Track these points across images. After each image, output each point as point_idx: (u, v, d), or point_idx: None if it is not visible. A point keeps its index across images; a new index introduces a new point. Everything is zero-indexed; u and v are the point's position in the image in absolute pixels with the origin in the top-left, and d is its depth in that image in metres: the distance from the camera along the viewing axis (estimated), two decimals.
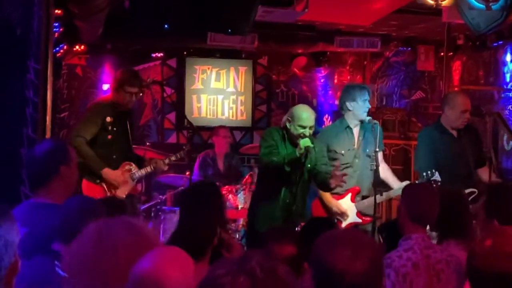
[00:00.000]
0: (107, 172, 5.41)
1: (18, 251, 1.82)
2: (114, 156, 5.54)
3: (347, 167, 5.61)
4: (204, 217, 3.41)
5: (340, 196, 5.68)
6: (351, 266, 1.92)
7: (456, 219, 3.49)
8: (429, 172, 5.42)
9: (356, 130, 5.69)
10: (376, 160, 5.35)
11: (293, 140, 5.26)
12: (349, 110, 5.65)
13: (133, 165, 5.61)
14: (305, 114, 5.23)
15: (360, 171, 5.68)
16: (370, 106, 5.66)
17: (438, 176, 5.40)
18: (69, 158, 3.24)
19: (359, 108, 5.60)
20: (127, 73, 5.63)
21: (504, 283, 2.08)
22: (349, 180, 5.54)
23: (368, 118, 5.60)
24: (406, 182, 5.55)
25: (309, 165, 5.27)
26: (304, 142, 5.03)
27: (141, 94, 5.77)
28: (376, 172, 5.34)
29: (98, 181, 5.45)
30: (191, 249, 2.97)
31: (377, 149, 5.37)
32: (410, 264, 3.12)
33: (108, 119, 5.46)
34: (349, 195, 5.65)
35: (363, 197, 5.70)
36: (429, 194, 3.36)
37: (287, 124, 5.28)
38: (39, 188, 3.16)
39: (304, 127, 5.18)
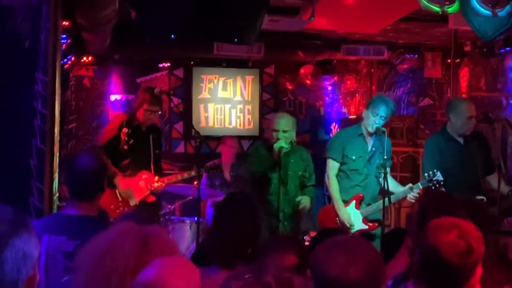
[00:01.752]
0: (120, 181, 5.62)
1: (71, 264, 1.80)
2: (130, 167, 5.69)
3: (355, 174, 5.64)
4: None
5: (345, 203, 5.70)
6: (345, 272, 1.92)
7: None
8: (430, 172, 5.43)
9: (369, 139, 5.72)
10: (385, 168, 5.36)
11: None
12: (363, 119, 5.71)
13: (150, 174, 5.76)
14: (275, 119, 5.66)
15: (367, 179, 5.70)
16: (380, 123, 5.61)
17: (440, 176, 5.42)
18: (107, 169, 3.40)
19: (369, 119, 5.63)
20: (148, 92, 5.91)
21: None
22: (355, 187, 5.61)
23: (376, 126, 5.61)
24: (409, 185, 5.57)
25: (290, 171, 5.56)
26: (278, 144, 5.44)
27: (160, 112, 6.14)
28: (385, 180, 5.35)
29: (112, 187, 5.66)
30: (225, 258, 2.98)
31: (385, 157, 5.38)
32: None
33: (125, 130, 5.75)
34: (354, 202, 5.67)
35: (368, 205, 5.72)
36: (447, 205, 3.12)
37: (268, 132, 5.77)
38: (83, 202, 3.26)
39: (276, 131, 5.53)
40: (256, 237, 3.29)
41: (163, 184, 5.89)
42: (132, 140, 5.75)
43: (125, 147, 5.71)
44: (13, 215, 1.71)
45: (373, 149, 5.74)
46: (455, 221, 2.36)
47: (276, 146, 5.44)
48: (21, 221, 1.72)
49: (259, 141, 5.88)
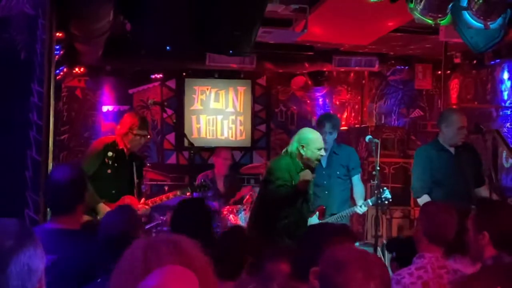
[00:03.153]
0: (103, 206, 5.40)
1: (46, 278, 1.78)
2: (113, 191, 5.56)
3: (315, 187, 5.77)
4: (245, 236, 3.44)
5: (310, 214, 5.79)
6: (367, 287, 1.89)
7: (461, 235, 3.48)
8: (380, 190, 5.71)
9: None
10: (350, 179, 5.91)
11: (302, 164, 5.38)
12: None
13: (133, 198, 5.63)
14: (317, 136, 5.42)
15: (328, 191, 5.88)
16: (326, 139, 5.82)
17: (388, 193, 5.79)
18: (88, 183, 3.29)
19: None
20: (136, 116, 5.77)
21: None
22: (317, 199, 5.77)
23: (369, 137, 5.81)
24: (362, 202, 5.86)
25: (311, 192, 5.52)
26: (304, 175, 5.20)
27: (148, 137, 5.93)
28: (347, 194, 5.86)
29: (93, 214, 5.40)
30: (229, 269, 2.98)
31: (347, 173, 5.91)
32: (420, 282, 3.11)
33: (110, 154, 5.55)
34: (317, 213, 5.78)
35: (331, 215, 5.85)
36: (448, 214, 3.31)
37: (300, 149, 5.36)
38: (63, 215, 3.16)
39: (319, 149, 5.35)
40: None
41: (148, 207, 5.75)
42: (116, 163, 5.62)
43: (109, 171, 5.58)
44: (19, 229, 1.70)
45: (329, 162, 5.99)
46: None
47: (303, 176, 5.22)
48: (27, 235, 1.72)
49: (287, 159, 5.46)
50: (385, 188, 5.81)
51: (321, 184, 5.96)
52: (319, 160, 5.41)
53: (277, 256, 3.16)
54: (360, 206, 5.86)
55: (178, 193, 5.99)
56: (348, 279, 1.92)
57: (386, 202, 5.80)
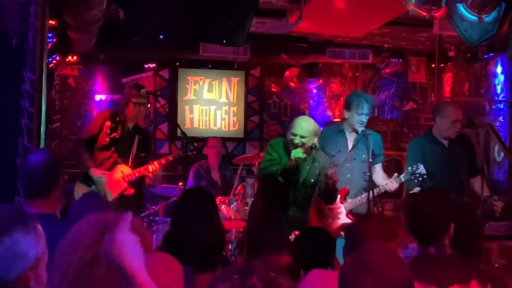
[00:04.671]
0: (94, 170, 5.57)
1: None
2: (111, 160, 5.70)
3: (337, 168, 5.64)
4: (215, 226, 3.41)
5: None
6: None
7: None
8: (414, 166, 5.47)
9: (350, 135, 5.73)
10: (370, 170, 5.38)
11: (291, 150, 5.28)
12: (345, 118, 5.72)
13: (127, 168, 5.71)
14: (300, 123, 5.28)
15: (350, 175, 5.71)
16: (365, 120, 5.64)
17: (423, 169, 5.44)
18: (63, 167, 3.26)
19: (352, 119, 5.64)
20: (134, 86, 5.89)
21: None
22: (339, 181, 5.61)
23: (362, 129, 5.62)
24: (395, 175, 5.59)
25: (302, 179, 5.30)
26: (295, 153, 5.12)
27: (148, 105, 6.05)
28: (369, 181, 5.38)
29: (90, 184, 5.58)
30: (202, 261, 2.96)
31: (370, 159, 5.40)
32: None
33: (108, 123, 5.70)
34: (339, 196, 5.66)
35: (354, 197, 5.75)
36: (432, 206, 2.97)
37: (288, 134, 5.33)
38: (37, 199, 3.12)
39: (294, 135, 5.20)
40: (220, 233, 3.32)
41: (155, 167, 5.83)
42: (114, 134, 5.72)
43: (107, 139, 5.70)
44: (10, 214, 1.70)
45: (356, 144, 5.75)
46: None
47: (294, 155, 5.13)
48: (18, 221, 1.71)
49: (281, 139, 5.45)
50: (419, 163, 5.48)
51: (344, 166, 5.72)
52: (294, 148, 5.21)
53: (277, 247, 3.16)
54: (391, 182, 5.54)
55: (171, 158, 6.05)
56: (367, 284, 1.86)
57: (420, 178, 5.43)
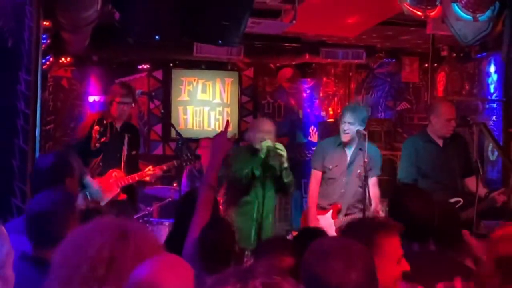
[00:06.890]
0: (89, 180, 5.50)
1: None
2: (101, 164, 5.66)
3: (333, 182, 5.68)
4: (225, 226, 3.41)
5: (323, 211, 5.73)
6: (347, 278, 1.89)
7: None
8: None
9: (348, 149, 5.74)
10: (364, 182, 5.37)
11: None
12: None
13: (120, 172, 5.69)
14: (260, 122, 5.75)
15: (345, 190, 5.72)
16: (347, 128, 5.65)
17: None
18: (73, 169, 3.24)
19: (340, 129, 5.71)
20: (119, 85, 5.97)
21: None
22: (332, 195, 5.64)
23: (357, 129, 5.61)
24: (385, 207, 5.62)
25: (278, 169, 5.51)
26: (265, 143, 5.39)
27: (133, 105, 6.01)
28: (363, 194, 5.39)
29: (82, 189, 5.52)
30: (217, 260, 2.95)
31: (363, 173, 5.37)
32: None
33: (96, 128, 5.66)
34: (331, 211, 5.71)
35: (345, 215, 5.74)
36: (417, 205, 3.03)
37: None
38: (48, 248, 3.07)
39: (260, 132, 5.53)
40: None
41: (152, 172, 5.85)
42: (103, 138, 5.70)
43: (97, 145, 5.68)
44: None
45: (353, 158, 5.77)
46: None
47: (264, 145, 5.40)
48: None
49: (239, 145, 5.81)
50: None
51: (340, 181, 5.77)
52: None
53: (279, 248, 3.14)
54: (381, 212, 5.48)
55: (165, 167, 6.06)
56: (329, 269, 1.91)
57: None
